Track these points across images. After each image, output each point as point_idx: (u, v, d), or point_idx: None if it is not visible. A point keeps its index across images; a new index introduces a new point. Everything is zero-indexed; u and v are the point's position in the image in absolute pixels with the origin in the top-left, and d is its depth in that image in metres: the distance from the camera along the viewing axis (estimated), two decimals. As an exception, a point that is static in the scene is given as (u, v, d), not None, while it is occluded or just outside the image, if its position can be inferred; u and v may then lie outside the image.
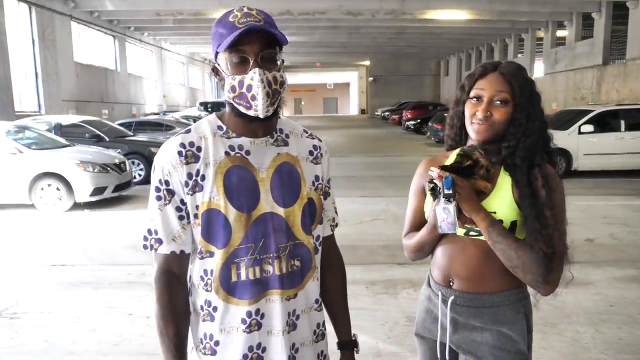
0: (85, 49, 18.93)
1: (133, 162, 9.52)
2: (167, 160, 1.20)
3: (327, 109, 57.13)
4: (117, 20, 20.40)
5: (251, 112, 1.19)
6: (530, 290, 1.46)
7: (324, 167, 1.35)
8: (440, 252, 1.49)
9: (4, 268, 4.94)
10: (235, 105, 1.20)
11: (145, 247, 1.24)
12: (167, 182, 1.20)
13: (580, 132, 10.02)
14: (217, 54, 1.21)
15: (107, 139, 9.83)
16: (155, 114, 20.25)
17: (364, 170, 11.43)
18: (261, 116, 1.19)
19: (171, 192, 1.20)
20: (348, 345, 1.42)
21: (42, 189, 7.49)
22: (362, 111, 47.41)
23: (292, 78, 52.52)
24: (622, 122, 10.09)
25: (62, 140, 8.73)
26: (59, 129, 9.73)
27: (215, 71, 1.24)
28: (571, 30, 19.45)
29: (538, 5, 17.90)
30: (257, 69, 1.15)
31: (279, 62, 1.20)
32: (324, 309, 1.39)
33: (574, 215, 6.84)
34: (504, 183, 1.40)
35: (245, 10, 1.18)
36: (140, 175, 9.83)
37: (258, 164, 1.23)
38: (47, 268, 4.91)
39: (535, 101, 1.41)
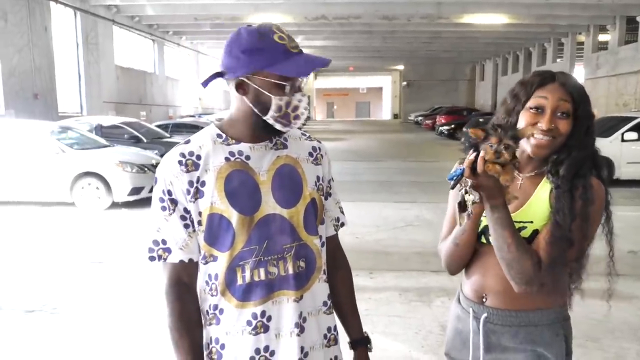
0: (125, 53, 19.50)
1: (169, 163, 9.71)
2: (168, 171, 1.22)
3: (360, 113, 56.99)
4: (157, 24, 20.94)
5: (284, 129, 1.25)
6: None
7: (324, 168, 1.37)
8: (473, 264, 1.40)
9: (44, 264, 5.12)
10: (274, 122, 1.22)
11: (152, 258, 1.24)
12: (169, 192, 1.22)
13: (623, 140, 9.67)
14: (254, 69, 1.20)
15: (145, 140, 10.09)
16: (191, 116, 20.66)
17: (397, 176, 11.33)
18: (290, 130, 1.28)
19: (174, 202, 1.22)
20: (360, 342, 1.41)
21: (82, 187, 7.74)
22: (395, 116, 47.07)
23: (325, 82, 52.70)
24: (668, 130, 9.68)
25: (103, 141, 9.00)
26: (99, 129, 10.04)
27: (242, 86, 1.23)
28: (614, 34, 18.79)
29: (578, 9, 17.37)
30: (305, 95, 1.25)
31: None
32: (334, 311, 1.39)
33: (616, 226, 6.55)
34: (543, 192, 1.33)
35: (285, 32, 1.23)
36: (175, 176, 10.02)
37: (258, 168, 1.25)
38: (86, 265, 5.06)
39: (591, 115, 1.36)
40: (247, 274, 1.22)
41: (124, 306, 4.01)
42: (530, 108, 1.33)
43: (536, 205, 1.33)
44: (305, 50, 1.27)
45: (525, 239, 1.29)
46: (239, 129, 1.26)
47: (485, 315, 1.37)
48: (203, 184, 1.21)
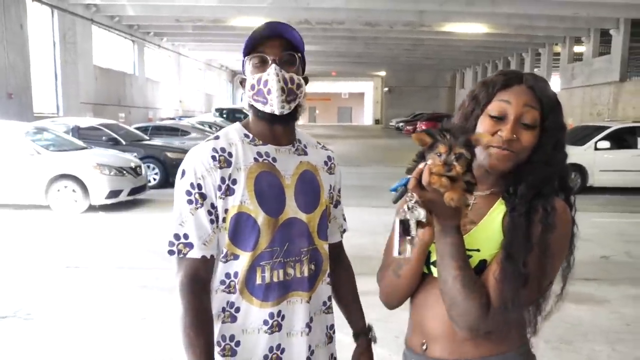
0: (104, 53, 19.22)
1: (148, 166, 9.62)
2: (200, 164, 1.23)
3: (342, 119, 57.17)
4: (137, 25, 20.69)
5: (267, 108, 1.25)
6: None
7: (336, 177, 1.43)
8: (416, 300, 1.17)
9: (18, 269, 5.00)
10: (254, 103, 1.26)
11: (171, 252, 1.23)
12: (199, 186, 1.22)
13: (596, 148, 9.92)
14: (243, 63, 1.29)
15: (124, 143, 9.94)
16: (171, 119, 20.46)
17: (378, 181, 11.40)
18: (277, 112, 1.25)
19: (203, 196, 1.22)
20: (363, 333, 1.47)
21: (58, 190, 7.58)
22: (377, 121, 47.36)
23: (307, 87, 52.44)
24: (639, 139, 9.98)
25: (80, 143, 8.85)
26: (76, 131, 9.86)
27: (242, 82, 1.31)
28: (589, 46, 19.30)
29: (556, 21, 17.81)
30: (273, 65, 1.23)
31: (297, 66, 1.28)
32: (337, 306, 1.47)
33: (589, 232, 6.80)
34: (497, 215, 1.11)
35: (273, 21, 1.28)
36: (155, 179, 9.92)
37: (284, 171, 1.29)
38: (62, 270, 4.96)
39: (562, 127, 1.13)
40: (267, 274, 1.25)
41: (100, 312, 3.94)
42: (491, 114, 1.11)
43: (486, 230, 1.09)
44: None
45: None
46: (259, 129, 1.30)
47: None
48: (234, 182, 1.23)
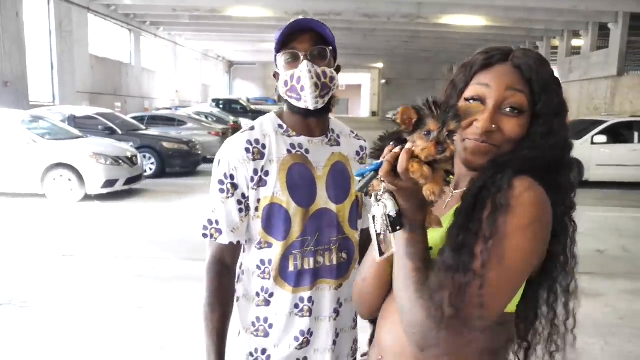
0: (100, 42, 19.06)
1: (145, 156, 9.58)
2: (234, 156, 1.28)
3: (338, 110, 56.70)
4: (134, 14, 20.51)
5: (301, 104, 1.28)
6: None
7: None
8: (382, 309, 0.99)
9: (14, 257, 4.99)
10: (288, 99, 1.30)
11: (205, 235, 1.32)
12: (232, 177, 1.28)
13: (593, 143, 9.95)
14: (276, 59, 1.32)
15: (120, 132, 9.90)
16: (168, 108, 20.36)
17: (374, 173, 11.42)
18: (311, 107, 1.28)
19: (235, 186, 1.28)
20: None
21: (54, 179, 7.55)
22: (373, 113, 47.31)
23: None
24: (636, 134, 10.01)
25: (76, 132, 8.80)
26: (72, 120, 9.81)
27: (275, 76, 1.34)
28: (587, 40, 19.28)
29: (554, 14, 17.78)
30: (305, 62, 1.25)
31: (328, 59, 1.30)
32: None
33: (585, 226, 6.84)
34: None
35: (302, 17, 1.31)
36: (151, 169, 9.89)
37: (316, 162, 1.33)
38: (57, 258, 4.96)
39: (562, 110, 0.93)
40: (299, 262, 1.31)
41: (95, 300, 3.94)
42: (467, 99, 0.93)
43: (442, 230, 0.88)
44: None
45: None
46: (293, 121, 1.34)
47: None
48: (267, 173, 1.28)
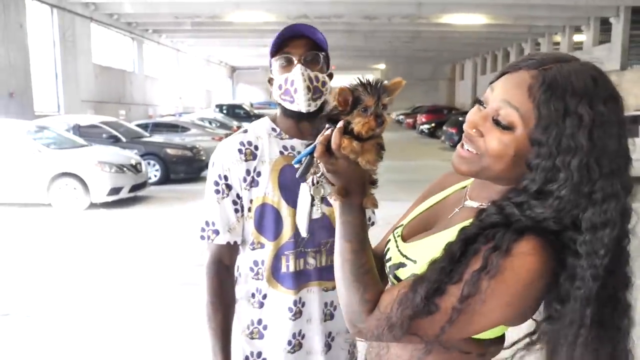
0: (104, 51, 19.20)
1: (149, 163, 9.63)
2: (227, 157, 1.31)
3: (341, 112, 57.03)
4: (136, 22, 20.64)
5: (294, 107, 1.30)
6: None
7: None
8: None
9: (21, 266, 5.03)
10: (282, 102, 1.32)
11: (202, 237, 1.34)
12: (226, 177, 1.31)
13: (597, 139, 9.90)
14: (271, 64, 1.36)
15: (124, 140, 9.96)
16: (171, 115, 20.46)
17: (377, 174, 11.41)
18: (304, 110, 1.30)
19: (229, 187, 1.31)
20: None
21: (59, 188, 7.61)
22: (376, 115, 47.29)
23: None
24: (641, 129, 9.96)
25: (80, 140, 8.86)
26: (77, 129, 9.88)
27: (270, 81, 1.37)
28: (589, 35, 19.21)
29: (556, 10, 17.72)
30: (299, 65, 1.29)
31: (321, 64, 1.33)
32: None
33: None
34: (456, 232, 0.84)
35: (297, 23, 1.34)
36: (155, 176, 9.94)
37: None
38: (63, 267, 4.99)
39: (577, 146, 0.74)
40: (291, 263, 1.32)
41: (101, 309, 3.96)
42: (477, 98, 0.88)
43: (435, 243, 0.85)
44: None
45: (398, 281, 0.88)
46: (286, 124, 1.36)
47: None
48: (259, 174, 1.30)
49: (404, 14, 18.33)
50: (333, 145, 0.80)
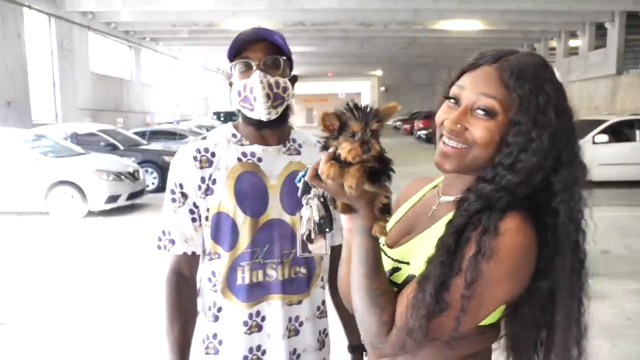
0: (101, 59, 19.23)
1: (147, 171, 9.62)
2: (182, 165, 1.26)
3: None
4: (134, 31, 20.71)
5: (254, 115, 1.25)
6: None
7: None
8: None
9: (18, 275, 5.01)
10: (242, 109, 1.27)
11: (159, 247, 1.28)
12: (181, 185, 1.26)
13: (594, 142, 9.93)
14: (230, 68, 1.29)
15: (122, 148, 9.95)
16: (169, 123, 20.47)
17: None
18: (263, 118, 1.25)
19: (185, 195, 1.26)
20: (358, 348, 1.45)
21: (57, 196, 7.59)
22: (374, 121, 47.35)
23: (304, 88, 52.79)
24: (638, 132, 10.00)
25: (78, 149, 8.86)
26: (74, 137, 9.87)
27: (231, 85, 1.31)
28: (584, 40, 19.33)
29: (551, 16, 17.84)
30: (257, 72, 1.23)
31: (282, 69, 1.26)
32: (337, 314, 1.44)
33: (589, 227, 6.71)
34: (443, 227, 0.88)
35: (256, 27, 1.28)
36: (153, 183, 9.92)
37: (269, 171, 1.28)
38: (61, 275, 4.97)
39: (545, 125, 0.84)
40: (247, 274, 1.26)
41: (99, 317, 3.94)
42: (446, 97, 0.93)
43: (426, 241, 0.90)
44: None
45: (397, 286, 0.90)
46: (247, 130, 1.30)
47: None
48: (214, 181, 1.25)
49: (400, 20, 18.43)
50: (319, 171, 0.83)
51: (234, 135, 1.30)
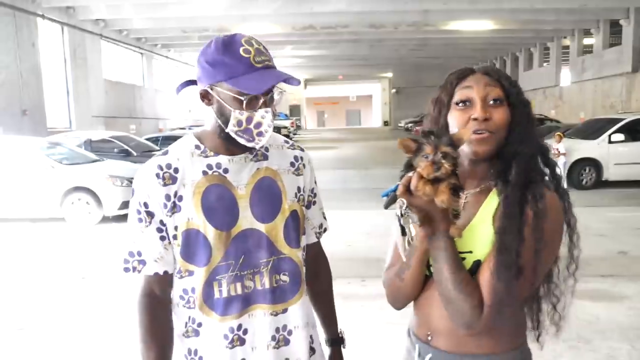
0: (114, 66, 19.47)
1: (160, 176, 9.68)
2: (145, 183, 1.20)
3: (350, 121, 57.18)
4: (145, 38, 20.94)
5: (251, 144, 1.19)
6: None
7: (306, 177, 1.34)
8: (420, 297, 1.21)
9: (34, 280, 5.06)
10: (235, 136, 1.18)
11: (126, 269, 1.23)
12: (146, 204, 1.19)
13: (610, 142, 9.79)
14: (218, 83, 1.17)
15: (135, 154, 10.05)
16: (182, 128, 20.63)
17: (387, 183, 11.30)
18: (257, 147, 1.22)
19: (150, 214, 1.20)
20: (336, 342, 1.46)
21: (72, 202, 7.69)
22: (385, 123, 47.27)
23: (315, 91, 52.89)
24: (655, 131, 9.84)
25: (92, 155, 8.96)
26: (89, 144, 10.00)
27: (206, 96, 1.20)
28: (598, 38, 19.09)
29: (564, 14, 17.64)
30: (269, 110, 1.18)
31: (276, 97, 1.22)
32: (314, 308, 1.43)
33: (605, 227, 6.70)
34: (487, 213, 1.12)
35: (255, 45, 1.17)
36: (166, 188, 9.99)
37: (236, 181, 1.22)
38: (77, 281, 5.02)
39: (527, 103, 1.16)
40: (224, 288, 1.21)
41: (116, 323, 3.97)
42: (457, 103, 1.14)
43: (478, 230, 1.11)
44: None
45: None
46: (214, 141, 1.23)
47: (430, 355, 1.19)
48: (180, 198, 1.19)
49: (410, 21, 18.38)
50: (412, 187, 1.01)
51: (197, 147, 1.23)
